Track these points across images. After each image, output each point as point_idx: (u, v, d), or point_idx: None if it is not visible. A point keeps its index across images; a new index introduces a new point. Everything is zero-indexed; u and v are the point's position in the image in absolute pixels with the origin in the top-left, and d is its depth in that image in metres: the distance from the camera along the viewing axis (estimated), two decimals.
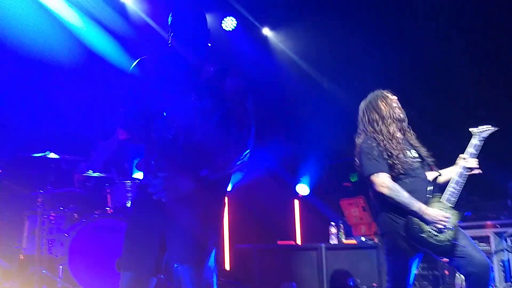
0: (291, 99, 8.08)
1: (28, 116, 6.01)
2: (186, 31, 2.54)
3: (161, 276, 4.45)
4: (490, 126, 3.61)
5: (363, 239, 6.34)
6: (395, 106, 3.63)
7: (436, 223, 3.27)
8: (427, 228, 3.29)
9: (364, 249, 6.12)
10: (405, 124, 3.64)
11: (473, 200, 6.20)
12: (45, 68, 5.91)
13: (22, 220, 5.47)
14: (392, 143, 3.44)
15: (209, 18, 7.94)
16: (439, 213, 3.29)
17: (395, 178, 3.40)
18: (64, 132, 5.94)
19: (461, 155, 3.51)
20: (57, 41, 5.98)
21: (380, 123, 3.54)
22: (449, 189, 3.42)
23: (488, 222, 5.77)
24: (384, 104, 3.61)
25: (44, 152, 5.08)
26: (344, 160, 7.11)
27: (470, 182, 6.06)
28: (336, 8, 7.16)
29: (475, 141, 3.55)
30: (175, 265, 2.49)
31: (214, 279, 2.50)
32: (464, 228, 5.79)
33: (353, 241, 6.31)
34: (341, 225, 6.54)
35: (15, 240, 5.41)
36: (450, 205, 3.39)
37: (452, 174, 3.49)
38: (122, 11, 6.71)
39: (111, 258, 4.96)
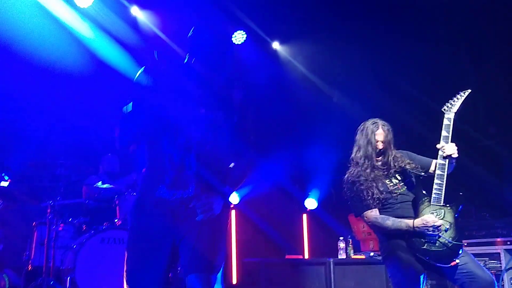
0: (300, 112, 8.09)
1: (39, 127, 6.05)
2: (209, 54, 2.58)
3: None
4: (460, 92, 3.53)
5: (371, 254, 6.29)
6: (377, 135, 3.60)
7: (430, 230, 3.26)
8: (424, 239, 3.29)
9: (372, 264, 6.06)
10: (388, 151, 3.59)
11: (483, 217, 6.16)
12: (56, 79, 5.96)
13: (31, 231, 5.48)
14: (368, 181, 3.48)
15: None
16: (428, 220, 3.28)
17: (383, 207, 3.46)
18: (74, 142, 5.98)
19: (438, 145, 3.40)
20: (69, 53, 6.04)
21: (359, 161, 3.57)
22: (434, 187, 3.36)
23: (499, 239, 5.72)
24: (363, 139, 3.62)
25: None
26: None
27: (481, 199, 6.03)
28: (345, 22, 7.18)
29: (445, 121, 3.42)
30: (188, 275, 2.51)
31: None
32: (475, 244, 5.82)
33: (362, 256, 6.27)
34: (350, 240, 6.50)
35: (23, 251, 5.42)
36: (440, 204, 3.34)
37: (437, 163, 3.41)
38: (133, 24, 6.77)
39: (119, 270, 4.94)
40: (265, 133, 8.02)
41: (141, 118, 2.51)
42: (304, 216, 8.42)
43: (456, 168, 3.51)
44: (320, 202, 8.13)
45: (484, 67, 6.69)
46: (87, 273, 4.96)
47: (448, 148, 3.34)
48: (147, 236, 2.55)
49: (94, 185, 5.60)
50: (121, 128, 2.56)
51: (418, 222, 3.30)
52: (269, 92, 7.86)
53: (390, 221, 3.36)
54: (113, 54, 6.34)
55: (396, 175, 3.56)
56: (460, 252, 3.27)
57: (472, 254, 5.72)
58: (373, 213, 3.44)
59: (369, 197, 3.44)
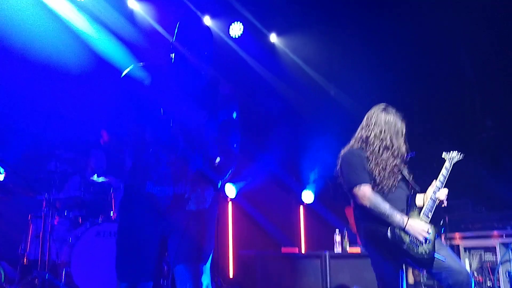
0: (297, 106, 8.07)
1: (34, 120, 6.03)
2: (196, 45, 2.60)
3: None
4: (458, 153, 3.76)
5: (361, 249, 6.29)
6: (403, 128, 3.68)
7: (418, 235, 3.31)
8: (408, 239, 3.32)
9: (368, 257, 6.05)
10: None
11: (480, 210, 6.16)
12: (52, 73, 5.93)
13: (26, 224, 5.47)
14: (394, 164, 3.50)
15: (216, 23, 7.89)
16: (421, 225, 3.34)
17: (377, 189, 3.44)
18: (69, 135, 5.95)
19: (433, 183, 3.58)
20: (65, 46, 6.00)
21: (392, 141, 3.57)
22: (426, 205, 3.50)
23: (495, 232, 5.72)
24: (388, 128, 3.62)
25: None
26: None
27: (477, 192, 6.04)
28: (344, 15, 7.15)
29: (447, 164, 3.66)
30: (177, 265, 2.55)
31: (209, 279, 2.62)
32: (471, 237, 5.82)
33: (358, 249, 6.27)
34: (346, 233, 6.50)
35: (19, 244, 5.41)
36: (427, 219, 3.45)
37: (428, 193, 3.56)
38: (130, 17, 6.72)
39: (115, 263, 4.95)
40: (262, 125, 8.01)
41: (127, 118, 2.59)
42: (301, 209, 8.42)
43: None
44: (317, 195, 8.13)
45: (480, 60, 6.67)
46: (82, 267, 4.96)
47: (441, 193, 3.51)
48: (136, 230, 2.57)
49: (90, 178, 5.59)
50: (110, 132, 2.64)
51: (414, 223, 3.32)
52: (266, 84, 7.84)
53: (388, 206, 3.34)
54: (109, 48, 6.30)
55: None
56: (433, 265, 3.33)
57: (468, 247, 5.80)
58: (371, 189, 3.39)
59: (375, 179, 3.43)
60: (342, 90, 7.96)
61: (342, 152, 3.63)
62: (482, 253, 5.76)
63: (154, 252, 2.56)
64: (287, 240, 7.58)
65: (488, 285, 5.59)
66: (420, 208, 3.49)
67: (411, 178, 3.60)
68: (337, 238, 6.36)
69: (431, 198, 3.50)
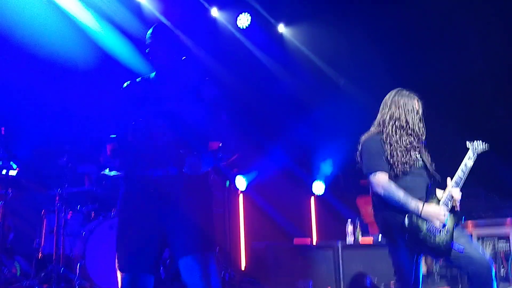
0: (306, 96, 8.04)
1: (46, 115, 6.06)
2: (161, 57, 2.81)
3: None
4: (483, 143, 3.63)
5: (380, 237, 6.28)
6: (419, 108, 3.64)
7: (434, 220, 3.26)
8: (424, 228, 3.27)
9: (380, 247, 6.05)
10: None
11: (492, 198, 6.13)
12: (60, 68, 5.95)
13: (40, 219, 5.51)
14: (407, 142, 3.44)
15: (223, 15, 7.86)
16: (437, 209, 3.28)
17: (395, 176, 3.39)
18: (81, 130, 5.99)
19: (448, 182, 3.49)
20: (73, 42, 6.03)
21: (407, 120, 3.52)
22: (446, 193, 3.43)
23: (508, 220, 5.69)
24: (417, 107, 3.61)
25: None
26: None
27: (490, 180, 6.00)
28: (352, 4, 7.10)
29: (470, 153, 3.55)
30: (183, 257, 2.55)
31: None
32: (483, 225, 5.80)
33: (370, 239, 6.27)
34: (358, 223, 6.49)
35: (33, 239, 5.46)
36: (447, 208, 3.37)
37: (450, 182, 3.48)
38: (137, 11, 6.71)
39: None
40: (271, 117, 8.00)
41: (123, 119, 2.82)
42: (312, 200, 8.43)
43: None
44: (328, 185, 8.13)
45: (491, 48, 6.61)
46: (96, 260, 5.00)
47: (456, 192, 3.41)
48: (136, 222, 2.60)
49: (101, 173, 5.62)
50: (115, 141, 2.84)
51: (429, 207, 3.27)
52: (275, 75, 7.81)
53: (402, 193, 3.29)
54: (117, 43, 6.31)
55: (418, 154, 3.52)
56: (450, 255, 3.28)
57: (481, 235, 5.77)
58: (386, 177, 3.35)
59: (389, 160, 3.39)
60: (351, 81, 7.92)
61: (363, 137, 3.59)
62: (495, 241, 5.73)
63: (155, 244, 2.58)
64: (299, 231, 7.59)
65: (502, 273, 5.57)
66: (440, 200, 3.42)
67: (432, 167, 3.54)
68: (349, 228, 6.35)
69: (451, 187, 3.42)
